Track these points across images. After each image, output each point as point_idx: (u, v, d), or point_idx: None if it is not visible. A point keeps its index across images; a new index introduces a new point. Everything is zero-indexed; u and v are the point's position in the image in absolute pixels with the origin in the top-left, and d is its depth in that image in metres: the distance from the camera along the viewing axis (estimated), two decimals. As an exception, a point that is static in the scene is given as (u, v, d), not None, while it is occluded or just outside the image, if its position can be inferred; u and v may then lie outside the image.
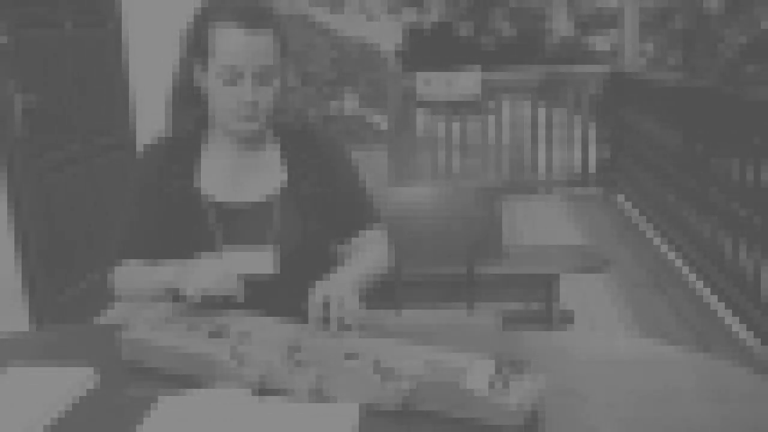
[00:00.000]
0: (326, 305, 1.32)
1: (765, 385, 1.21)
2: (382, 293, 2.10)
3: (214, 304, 1.38)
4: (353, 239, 1.64)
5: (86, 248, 3.60)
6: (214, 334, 1.30)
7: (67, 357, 1.37)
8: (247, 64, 1.46)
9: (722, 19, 9.36)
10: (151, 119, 2.52)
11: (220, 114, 1.52)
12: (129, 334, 1.33)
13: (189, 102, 1.58)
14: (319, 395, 1.17)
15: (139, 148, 1.67)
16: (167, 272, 1.47)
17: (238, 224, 1.56)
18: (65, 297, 3.42)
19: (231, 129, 1.54)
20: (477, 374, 1.11)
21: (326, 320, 1.32)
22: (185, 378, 1.26)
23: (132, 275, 1.57)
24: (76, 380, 1.26)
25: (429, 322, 2.13)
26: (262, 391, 1.20)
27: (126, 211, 1.63)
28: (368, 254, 1.61)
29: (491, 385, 1.09)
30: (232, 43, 1.45)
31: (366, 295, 1.47)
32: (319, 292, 1.35)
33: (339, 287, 1.35)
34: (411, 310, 2.15)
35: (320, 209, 1.60)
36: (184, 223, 1.57)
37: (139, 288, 1.56)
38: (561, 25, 12.56)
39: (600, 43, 11.73)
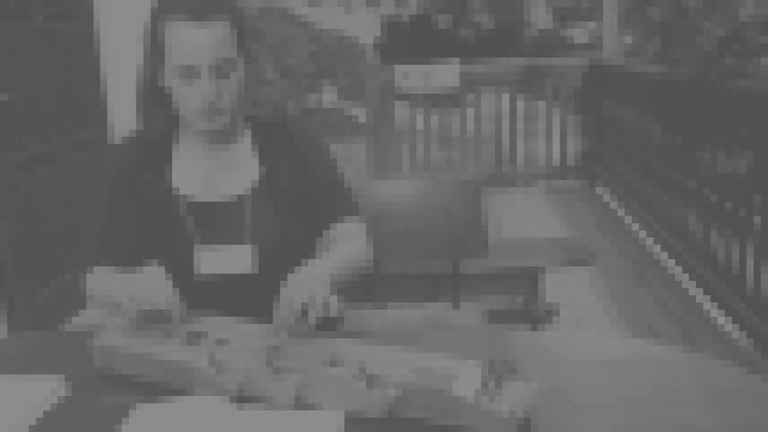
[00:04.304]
0: (304, 311, 1.24)
1: (759, 386, 1.19)
2: (362, 289, 2.07)
3: (153, 318, 1.30)
4: (330, 232, 1.57)
5: (61, 247, 3.53)
6: (191, 341, 1.25)
7: (36, 365, 1.32)
8: (202, 60, 1.39)
9: (701, 12, 9.40)
10: (125, 114, 2.46)
11: (183, 113, 1.47)
12: (101, 341, 1.28)
13: (157, 101, 1.52)
14: (302, 402, 1.12)
15: (114, 143, 1.61)
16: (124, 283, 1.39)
17: (214, 222, 1.52)
18: (41, 297, 3.35)
19: (197, 128, 1.49)
20: (466, 381, 1.07)
21: (301, 324, 1.24)
22: (161, 386, 1.21)
23: (104, 283, 1.50)
24: (46, 389, 1.20)
25: (413, 319, 2.10)
26: (241, 398, 1.15)
27: (97, 213, 1.57)
28: (345, 246, 1.53)
29: (481, 391, 1.05)
30: (184, 39, 1.38)
31: (343, 288, 1.39)
32: (290, 293, 1.26)
33: (313, 285, 1.27)
34: (394, 305, 2.11)
35: (297, 204, 1.55)
36: (158, 223, 1.52)
37: (110, 297, 1.50)
38: (540, 18, 12.57)
39: (579, 35, 11.75)
